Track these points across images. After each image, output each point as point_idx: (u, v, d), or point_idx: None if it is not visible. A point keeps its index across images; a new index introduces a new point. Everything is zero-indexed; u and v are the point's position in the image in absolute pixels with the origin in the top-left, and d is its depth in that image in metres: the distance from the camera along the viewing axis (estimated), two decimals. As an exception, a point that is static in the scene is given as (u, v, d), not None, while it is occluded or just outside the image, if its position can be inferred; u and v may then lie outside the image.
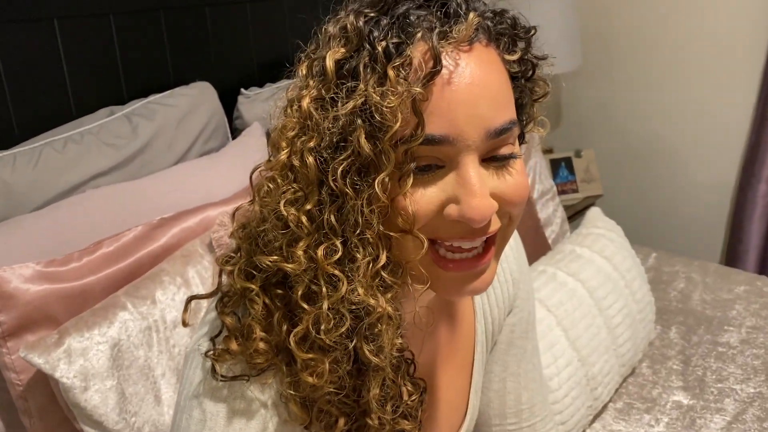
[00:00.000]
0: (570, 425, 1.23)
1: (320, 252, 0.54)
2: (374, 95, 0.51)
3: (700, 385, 1.43)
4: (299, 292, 0.55)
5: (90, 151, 1.27)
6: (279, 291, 0.58)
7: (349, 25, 0.55)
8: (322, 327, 0.54)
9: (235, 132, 1.60)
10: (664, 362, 1.53)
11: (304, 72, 0.58)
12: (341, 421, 0.60)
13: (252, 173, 0.63)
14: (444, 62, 0.53)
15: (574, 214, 2.39)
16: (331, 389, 0.57)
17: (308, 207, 0.54)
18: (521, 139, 0.65)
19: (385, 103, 0.51)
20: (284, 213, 0.54)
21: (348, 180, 0.53)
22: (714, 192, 2.40)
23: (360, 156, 0.52)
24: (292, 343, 0.55)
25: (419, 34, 0.53)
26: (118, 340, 0.99)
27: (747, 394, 1.39)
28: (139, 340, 1.01)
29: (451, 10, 0.55)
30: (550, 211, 1.90)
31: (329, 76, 0.54)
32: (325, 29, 0.58)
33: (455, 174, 0.55)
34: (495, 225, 0.58)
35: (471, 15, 0.55)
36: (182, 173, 1.35)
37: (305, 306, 0.55)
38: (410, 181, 0.54)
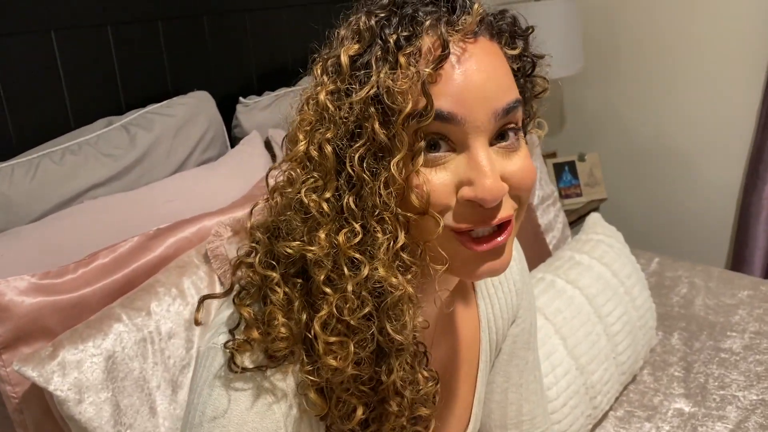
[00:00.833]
0: (569, 434, 1.22)
1: (341, 237, 0.57)
2: (387, 80, 0.55)
3: (702, 392, 1.42)
4: (321, 277, 0.57)
5: (88, 161, 1.27)
6: (298, 281, 0.61)
7: (361, 24, 0.59)
8: (346, 308, 0.57)
9: (234, 141, 1.60)
10: (665, 369, 1.52)
11: (318, 71, 0.62)
12: (359, 410, 0.61)
13: (268, 173, 0.66)
14: (452, 49, 0.57)
15: (578, 219, 2.38)
16: (354, 372, 0.59)
17: (328, 194, 0.57)
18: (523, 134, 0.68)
19: (397, 86, 0.55)
20: (305, 200, 0.57)
21: (365, 165, 0.56)
22: (719, 195, 2.38)
23: (375, 141, 0.56)
24: (317, 327, 0.58)
25: (427, 23, 0.57)
26: (112, 352, 0.99)
27: (749, 401, 1.38)
28: (134, 352, 1.01)
29: (457, 5, 0.59)
30: (551, 217, 1.89)
31: (344, 70, 0.58)
32: (337, 32, 0.63)
33: (466, 157, 0.58)
34: (506, 211, 0.60)
35: (476, 6, 0.59)
36: (180, 183, 1.35)
37: (327, 290, 0.58)
38: (422, 159, 0.57)
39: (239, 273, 0.67)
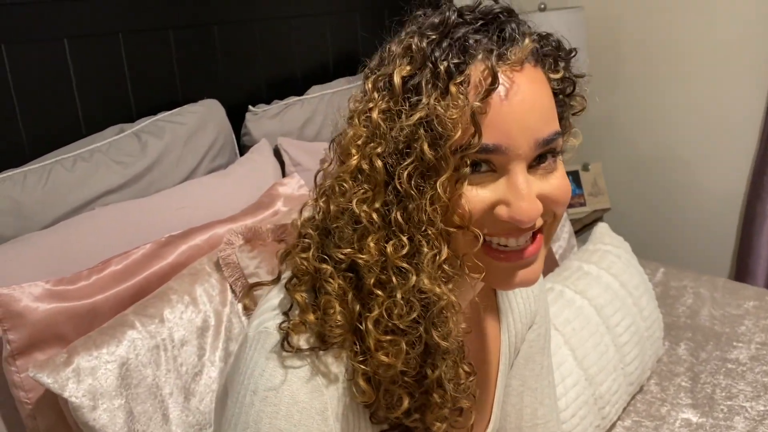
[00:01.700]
0: (578, 444, 1.23)
1: (390, 247, 0.60)
2: (438, 108, 0.58)
3: (710, 403, 1.42)
4: (371, 281, 0.61)
5: (99, 168, 1.28)
6: (350, 275, 0.64)
7: (414, 46, 0.61)
8: (395, 312, 0.60)
9: (243, 149, 1.61)
10: (672, 379, 1.52)
11: (370, 86, 0.64)
12: (405, 401, 0.64)
13: (316, 174, 0.70)
14: (500, 80, 0.60)
15: (582, 228, 2.39)
16: (402, 368, 0.62)
17: (377, 205, 0.61)
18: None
19: (448, 115, 0.58)
20: (356, 210, 0.61)
21: (412, 182, 0.60)
22: (723, 205, 2.39)
23: (423, 161, 0.59)
24: (369, 324, 0.61)
25: (479, 56, 0.60)
26: (126, 359, 0.99)
27: (757, 412, 1.38)
28: (147, 359, 1.01)
29: (507, 35, 0.62)
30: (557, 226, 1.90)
31: (396, 91, 0.61)
32: (389, 48, 0.65)
33: (506, 179, 0.61)
34: (539, 222, 0.64)
35: (526, 41, 0.62)
36: (190, 190, 1.36)
37: (378, 292, 0.61)
38: (466, 183, 0.60)
39: (286, 263, 0.70)
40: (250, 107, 1.62)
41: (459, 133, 0.58)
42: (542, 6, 2.29)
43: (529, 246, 0.65)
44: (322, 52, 1.83)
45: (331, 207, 0.64)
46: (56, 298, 1.03)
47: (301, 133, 1.66)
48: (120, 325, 1.02)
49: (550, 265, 1.72)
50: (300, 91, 1.72)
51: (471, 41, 0.61)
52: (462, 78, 0.59)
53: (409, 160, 0.59)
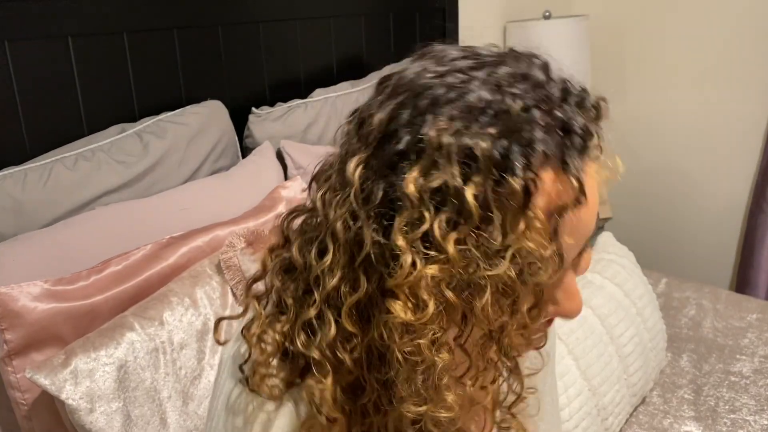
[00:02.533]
0: (580, 455, 1.21)
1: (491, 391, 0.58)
2: (528, 243, 0.47)
3: (713, 416, 1.41)
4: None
5: (100, 168, 1.27)
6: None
7: (479, 152, 0.47)
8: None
9: (246, 151, 1.60)
10: (675, 391, 1.51)
11: (417, 194, 0.47)
12: None
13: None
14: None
15: (583, 237, 2.37)
16: None
17: (452, 340, 0.51)
18: None
19: (538, 253, 0.47)
20: (437, 361, 0.50)
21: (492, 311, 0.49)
22: (725, 216, 2.38)
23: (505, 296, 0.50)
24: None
25: (555, 165, 0.49)
26: (124, 361, 0.98)
27: (761, 426, 1.37)
28: (146, 362, 1.00)
29: (578, 136, 0.51)
30: (560, 235, 1.89)
31: (473, 219, 0.47)
32: (430, 138, 0.48)
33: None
34: None
35: (594, 139, 0.52)
36: (192, 192, 1.35)
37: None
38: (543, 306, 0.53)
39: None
40: (254, 109, 1.61)
41: (549, 274, 0.48)
42: (547, 14, 2.29)
43: None
44: (326, 56, 1.82)
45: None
46: (55, 298, 1.02)
47: (304, 136, 1.65)
48: (119, 326, 1.01)
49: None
50: (304, 94, 1.71)
51: (539, 147, 0.47)
52: (544, 204, 0.48)
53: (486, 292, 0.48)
